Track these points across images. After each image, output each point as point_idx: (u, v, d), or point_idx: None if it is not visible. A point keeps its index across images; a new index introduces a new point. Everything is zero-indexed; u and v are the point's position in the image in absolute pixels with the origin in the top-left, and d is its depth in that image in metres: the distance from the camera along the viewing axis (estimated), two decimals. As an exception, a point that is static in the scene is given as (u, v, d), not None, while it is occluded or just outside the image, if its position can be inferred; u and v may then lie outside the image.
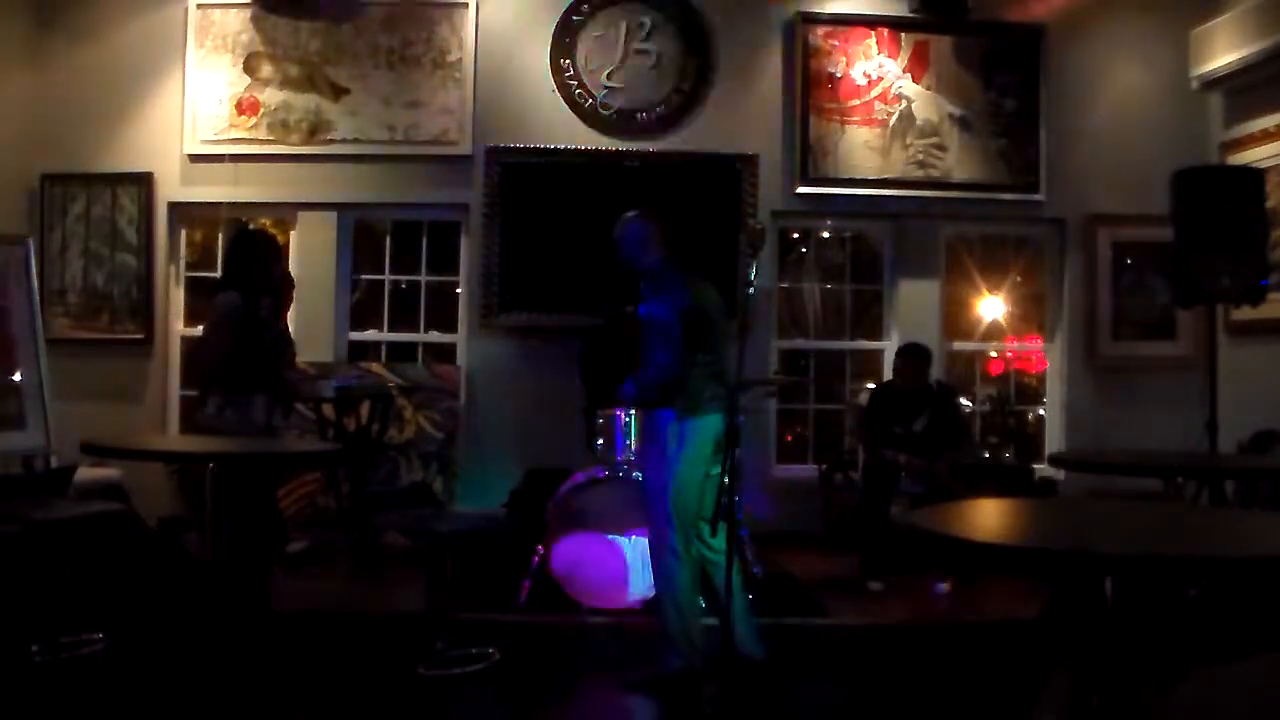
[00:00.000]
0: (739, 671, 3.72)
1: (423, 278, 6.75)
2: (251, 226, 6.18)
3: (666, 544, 3.76)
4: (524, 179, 6.40)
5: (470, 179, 6.44)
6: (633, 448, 4.90)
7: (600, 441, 5.01)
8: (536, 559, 4.74)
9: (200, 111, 6.41)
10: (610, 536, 4.74)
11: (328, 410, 5.71)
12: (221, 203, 6.33)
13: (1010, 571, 4.37)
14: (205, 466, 3.73)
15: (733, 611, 3.77)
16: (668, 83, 6.49)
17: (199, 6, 6.41)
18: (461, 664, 3.88)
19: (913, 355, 5.66)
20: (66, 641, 3.86)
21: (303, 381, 5.61)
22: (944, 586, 5.23)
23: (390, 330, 6.78)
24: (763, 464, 6.47)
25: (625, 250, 4.11)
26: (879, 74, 6.55)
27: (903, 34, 6.56)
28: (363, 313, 6.80)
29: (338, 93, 6.42)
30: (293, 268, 6.51)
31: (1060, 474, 6.11)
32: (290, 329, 6.16)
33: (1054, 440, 6.74)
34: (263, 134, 6.41)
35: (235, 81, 6.41)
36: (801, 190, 6.48)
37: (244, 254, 4.55)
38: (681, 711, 3.67)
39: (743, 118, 6.51)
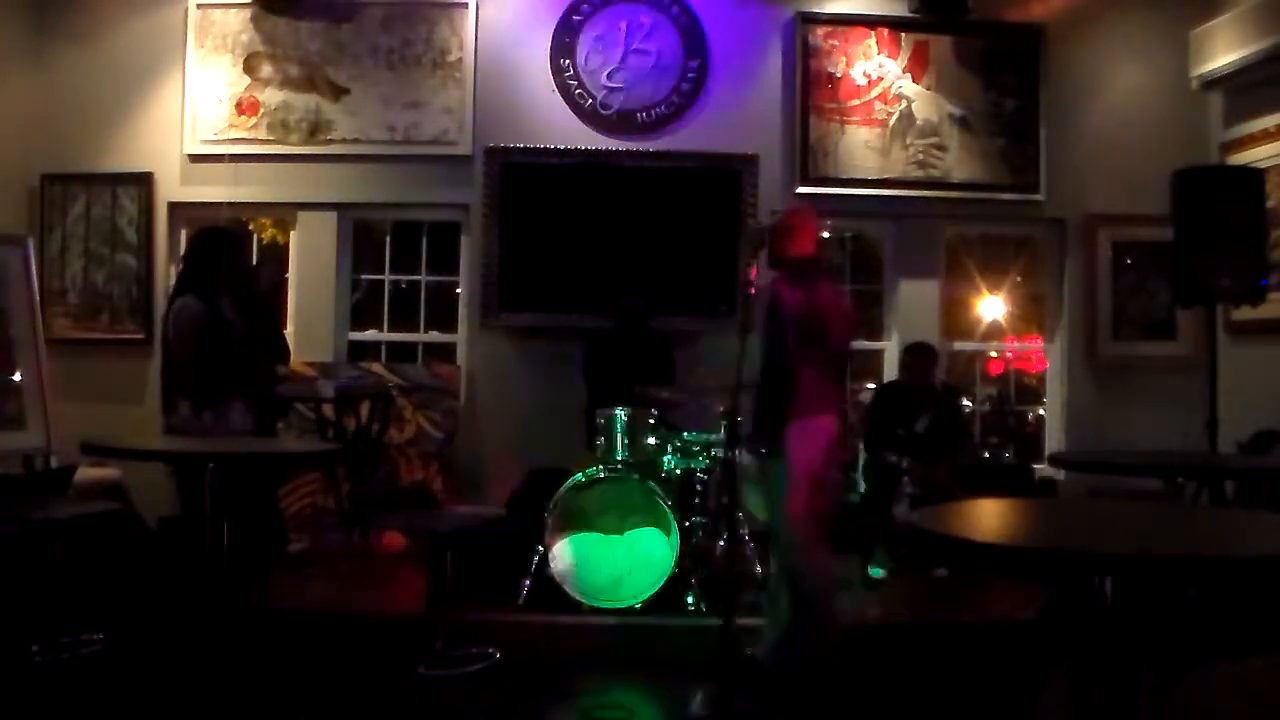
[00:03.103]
0: (743, 671, 3.73)
1: (423, 278, 6.75)
2: (215, 225, 5.93)
3: (797, 544, 3.83)
4: (524, 179, 6.39)
5: (470, 179, 6.43)
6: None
7: (600, 441, 5.01)
8: (536, 559, 4.74)
9: (200, 111, 6.41)
10: (610, 536, 4.75)
11: (328, 410, 5.71)
12: (221, 203, 6.32)
13: (1010, 571, 4.36)
14: (200, 468, 3.71)
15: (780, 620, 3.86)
16: (668, 83, 6.49)
17: (199, 6, 6.41)
18: (461, 664, 3.88)
19: (922, 354, 5.70)
20: (66, 641, 3.86)
21: (292, 384, 5.59)
22: (942, 571, 5.25)
23: (390, 330, 6.77)
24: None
25: (775, 238, 4.09)
26: (879, 74, 6.54)
27: (903, 34, 6.55)
28: (363, 313, 6.80)
29: (338, 93, 6.42)
30: (292, 268, 6.54)
31: (1060, 474, 6.11)
32: (287, 329, 6.22)
33: (1054, 440, 6.74)
34: (263, 134, 6.40)
35: (235, 81, 6.41)
36: (801, 190, 6.47)
37: (204, 254, 4.40)
38: (681, 711, 3.67)
39: (743, 118, 6.50)
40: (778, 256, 4.06)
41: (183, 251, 6.17)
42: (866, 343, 6.87)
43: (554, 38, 6.46)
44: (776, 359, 3.80)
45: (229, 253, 4.49)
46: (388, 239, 6.82)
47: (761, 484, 3.90)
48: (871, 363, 6.87)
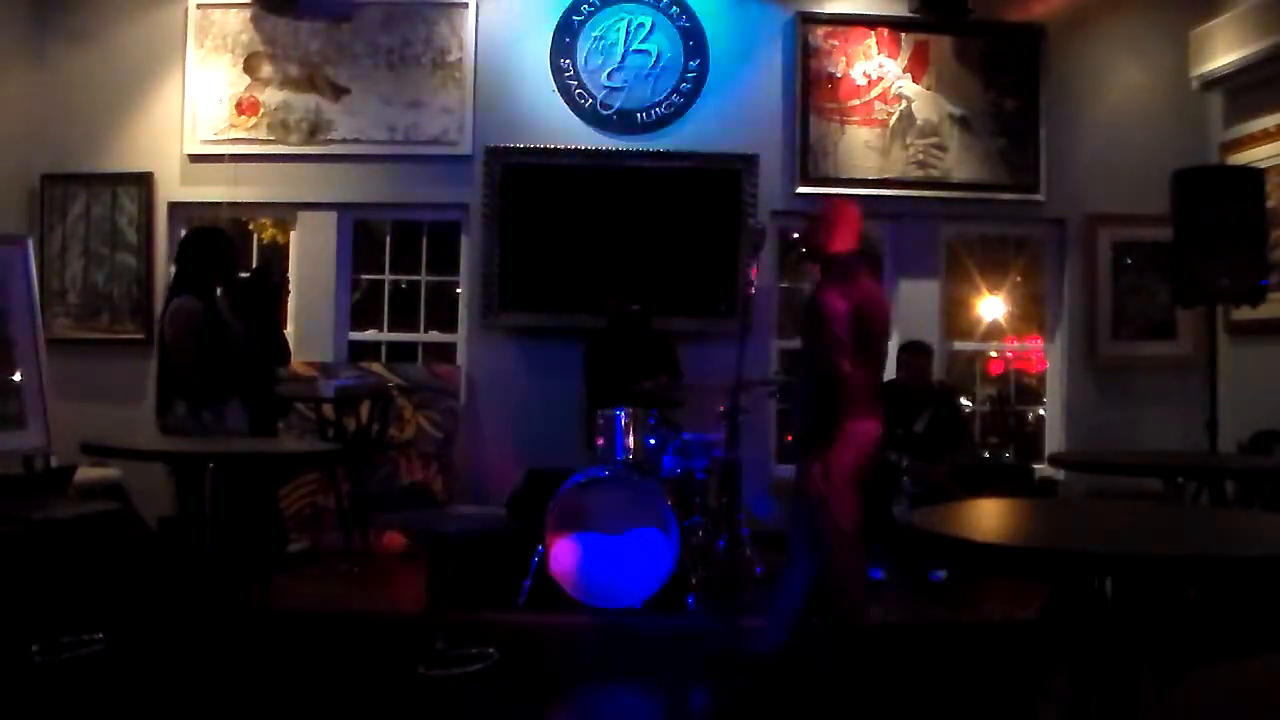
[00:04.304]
0: (743, 668, 3.74)
1: (423, 278, 6.75)
2: (205, 226, 5.75)
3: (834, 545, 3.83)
4: (524, 179, 6.39)
5: (470, 179, 6.43)
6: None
7: (600, 441, 5.01)
8: (536, 559, 4.74)
9: (200, 111, 6.41)
10: (610, 536, 4.75)
11: (328, 410, 5.71)
12: (221, 203, 6.33)
13: (1010, 571, 4.37)
14: (200, 468, 3.70)
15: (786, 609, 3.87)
16: (668, 83, 6.49)
17: (199, 6, 6.41)
18: (461, 664, 3.87)
19: (920, 352, 5.72)
20: (66, 641, 3.86)
21: (292, 384, 5.58)
22: (940, 574, 5.25)
23: (390, 330, 6.77)
24: (763, 464, 6.46)
25: (815, 232, 4.06)
26: (879, 74, 6.54)
27: (903, 34, 6.55)
28: (363, 313, 6.80)
29: (338, 93, 6.42)
30: (293, 268, 6.54)
31: (1060, 474, 6.11)
32: (287, 329, 6.21)
33: (1054, 440, 6.73)
34: (263, 134, 6.41)
35: (235, 81, 6.41)
36: (801, 190, 6.47)
37: (198, 254, 4.41)
38: (681, 711, 3.67)
39: (743, 118, 6.50)
40: (817, 252, 4.02)
41: (177, 252, 6.18)
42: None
43: (554, 38, 6.46)
44: (826, 365, 3.77)
45: (222, 252, 4.48)
46: (388, 239, 6.82)
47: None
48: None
